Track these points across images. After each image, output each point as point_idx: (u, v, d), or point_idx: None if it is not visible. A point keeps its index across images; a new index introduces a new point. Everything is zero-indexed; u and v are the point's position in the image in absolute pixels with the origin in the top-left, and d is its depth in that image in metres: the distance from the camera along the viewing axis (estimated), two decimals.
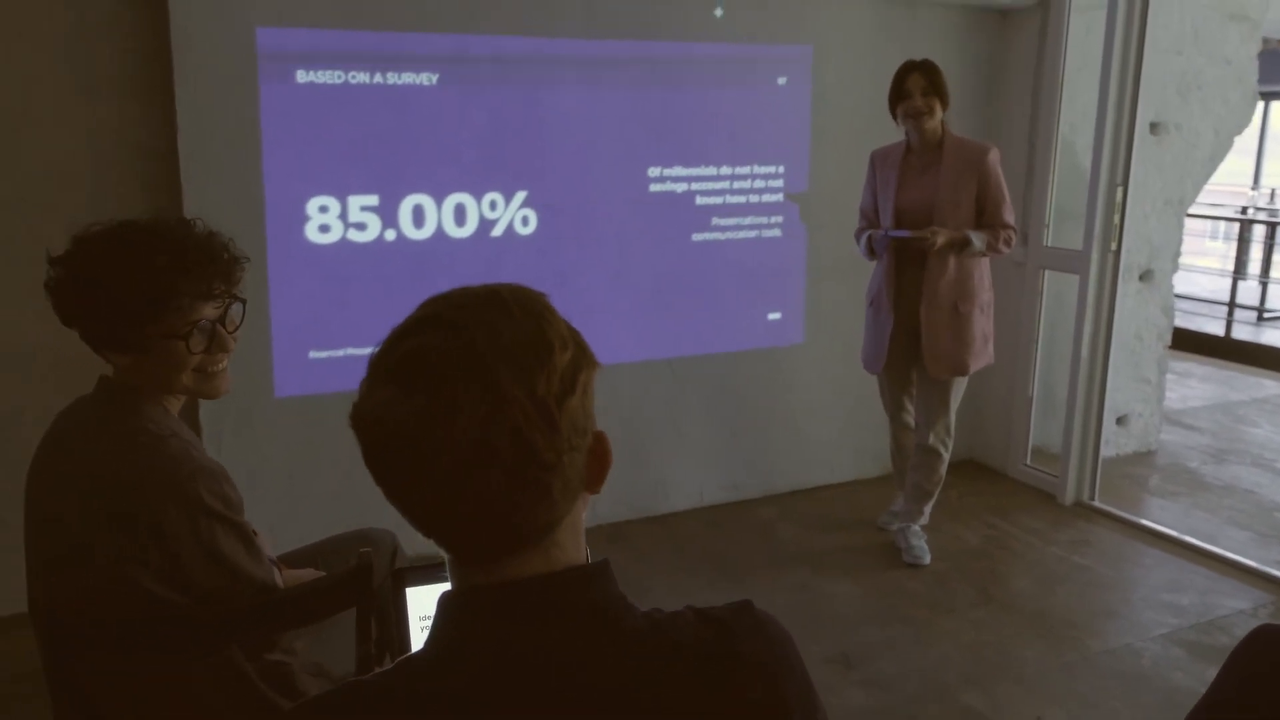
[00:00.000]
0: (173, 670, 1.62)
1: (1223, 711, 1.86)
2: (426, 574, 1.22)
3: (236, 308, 1.64)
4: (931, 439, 3.62)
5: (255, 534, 1.66)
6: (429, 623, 1.22)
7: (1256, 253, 9.45)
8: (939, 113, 3.40)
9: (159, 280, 1.52)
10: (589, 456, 0.89)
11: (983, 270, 3.53)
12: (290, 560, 2.03)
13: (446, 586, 1.23)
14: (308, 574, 1.93)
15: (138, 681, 1.61)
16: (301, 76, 3.30)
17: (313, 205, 3.37)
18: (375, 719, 0.85)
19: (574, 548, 0.92)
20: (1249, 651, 1.87)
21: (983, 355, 3.55)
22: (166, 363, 1.58)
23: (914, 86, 3.37)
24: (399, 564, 2.14)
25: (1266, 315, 8.70)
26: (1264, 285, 8.93)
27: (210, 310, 1.59)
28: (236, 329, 1.65)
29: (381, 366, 0.87)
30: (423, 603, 1.22)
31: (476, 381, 0.82)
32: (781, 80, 4.06)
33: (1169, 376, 5.26)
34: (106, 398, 1.62)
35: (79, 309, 1.55)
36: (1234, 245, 9.39)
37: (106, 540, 1.49)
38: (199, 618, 1.58)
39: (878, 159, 3.63)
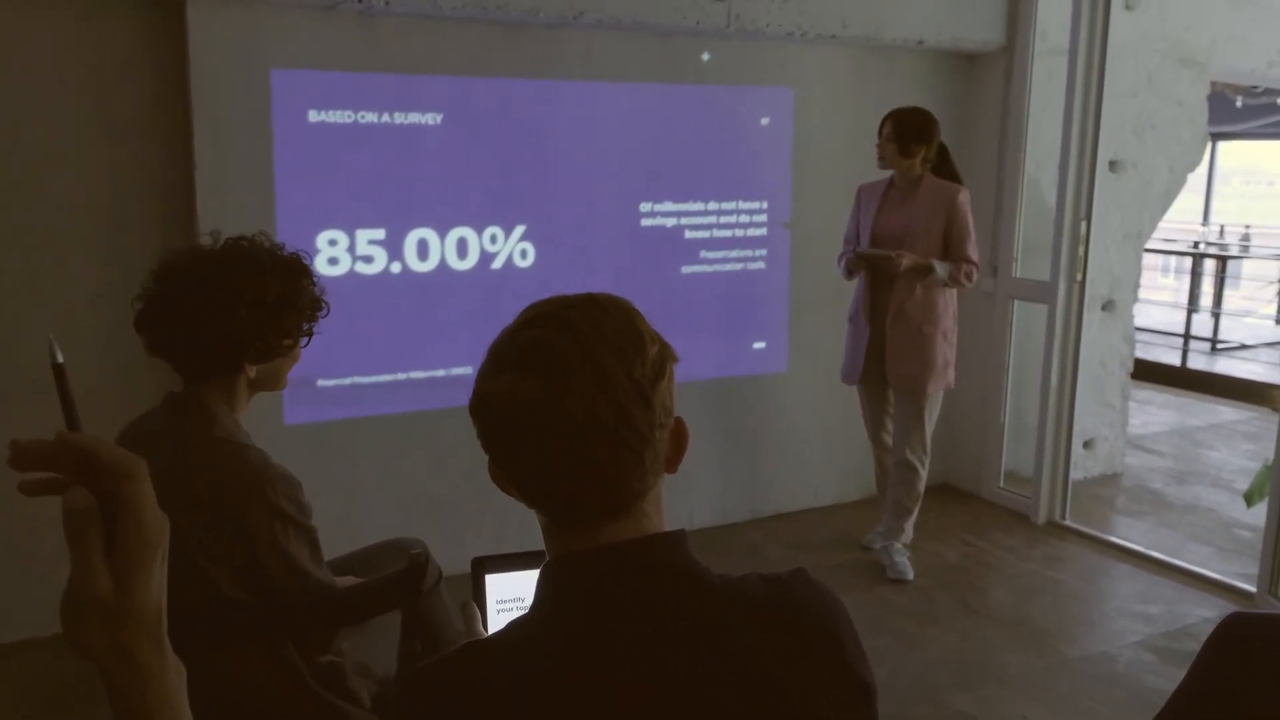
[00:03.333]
0: (234, 665, 1.74)
1: (1201, 690, 2.04)
2: (504, 563, 1.35)
3: None
4: (907, 453, 3.84)
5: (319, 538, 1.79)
6: (506, 606, 1.36)
7: (1207, 286, 9.82)
8: (901, 155, 3.70)
9: (310, 300, 1.81)
10: (670, 437, 1.05)
11: (948, 299, 3.80)
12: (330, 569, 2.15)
13: (521, 575, 1.37)
14: (348, 580, 2.06)
15: (201, 675, 1.72)
16: (313, 116, 3.45)
17: (322, 239, 3.52)
18: (500, 672, 0.98)
19: (658, 518, 1.07)
20: (1222, 637, 2.06)
21: (942, 378, 3.81)
22: (287, 364, 1.84)
23: (883, 131, 3.74)
24: (431, 570, 2.27)
25: (1219, 346, 9.03)
26: (1216, 317, 9.27)
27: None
28: None
29: (500, 356, 1.02)
30: (500, 589, 1.35)
31: (586, 365, 0.97)
32: (765, 120, 4.27)
33: (1130, 404, 5.50)
34: (179, 409, 1.75)
35: (232, 330, 1.73)
36: (1186, 280, 9.75)
37: (190, 532, 1.62)
38: (262, 612, 1.71)
39: (863, 190, 3.94)
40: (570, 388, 0.96)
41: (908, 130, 3.69)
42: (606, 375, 0.98)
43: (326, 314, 1.90)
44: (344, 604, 1.81)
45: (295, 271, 1.82)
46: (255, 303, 1.73)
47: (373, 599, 1.85)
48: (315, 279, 1.87)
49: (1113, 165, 4.86)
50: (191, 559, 1.64)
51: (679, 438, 1.06)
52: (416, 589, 1.84)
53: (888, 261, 3.65)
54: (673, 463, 1.07)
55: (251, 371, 1.79)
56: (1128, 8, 4.67)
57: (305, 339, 1.87)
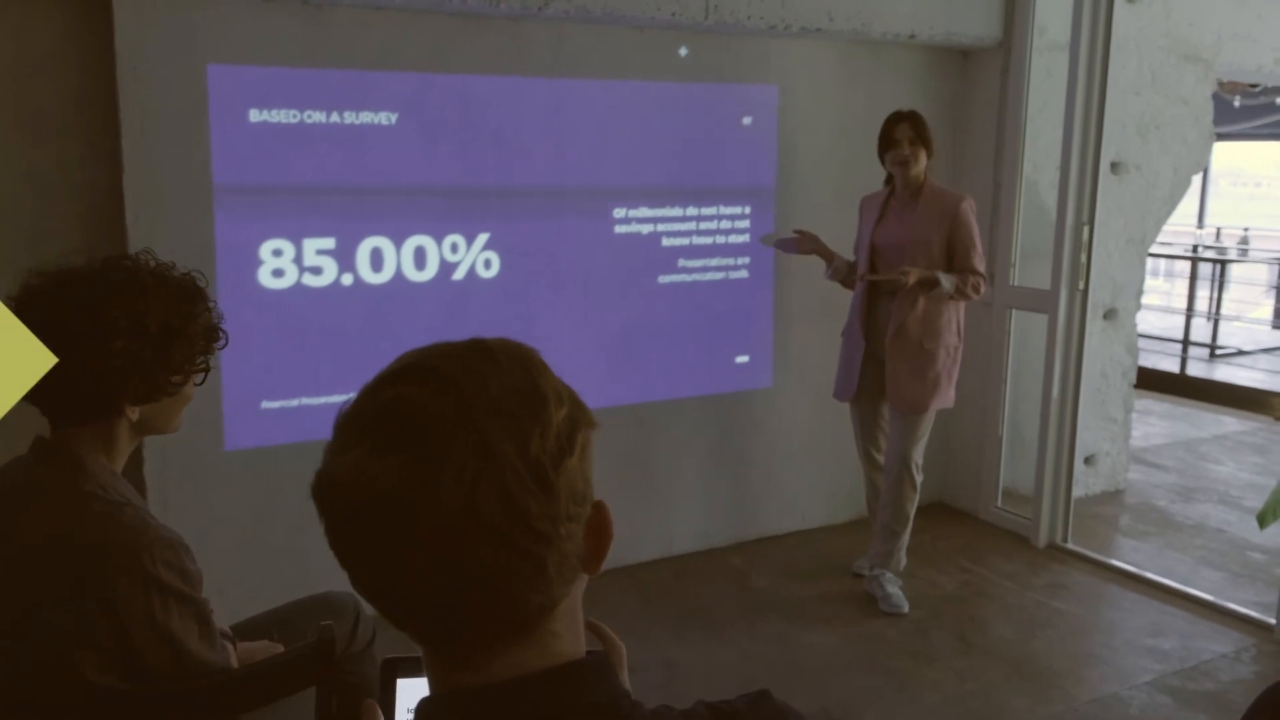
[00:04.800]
0: None
1: None
2: (421, 665, 1.08)
3: None
4: (900, 471, 3.61)
5: (211, 611, 1.52)
6: None
7: (1203, 290, 9.57)
8: (923, 160, 3.49)
9: (204, 329, 1.58)
10: (587, 529, 0.78)
11: (952, 313, 3.56)
12: (243, 630, 1.88)
13: None
14: (262, 647, 1.78)
15: None
16: (255, 116, 3.17)
17: (266, 249, 3.24)
18: None
19: (572, 638, 0.81)
20: (1273, 706, 1.78)
21: (943, 397, 3.58)
22: (178, 404, 1.59)
23: (902, 135, 3.48)
24: (362, 629, 2.00)
25: (1218, 352, 8.80)
26: (1215, 323, 9.04)
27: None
28: None
29: (352, 424, 0.75)
30: (414, 695, 1.08)
31: (462, 436, 0.71)
32: (747, 120, 4.01)
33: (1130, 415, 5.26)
34: (47, 458, 1.48)
35: (107, 370, 1.46)
36: (1176, 284, 9.51)
37: (51, 617, 1.35)
38: (142, 702, 1.44)
39: (864, 202, 3.73)
40: (440, 467, 0.70)
41: (924, 130, 3.48)
42: (491, 451, 0.71)
43: (225, 345, 1.63)
44: (242, 688, 1.54)
45: (186, 295, 1.55)
46: (134, 333, 1.46)
47: (278, 679, 1.57)
48: (211, 304, 1.60)
49: (1115, 167, 4.61)
50: (51, 646, 1.37)
51: (599, 530, 0.79)
52: (327, 666, 1.58)
53: (892, 283, 3.47)
54: (592, 563, 0.80)
55: (133, 414, 1.52)
56: (1130, 1, 4.43)
57: (200, 375, 1.60)
